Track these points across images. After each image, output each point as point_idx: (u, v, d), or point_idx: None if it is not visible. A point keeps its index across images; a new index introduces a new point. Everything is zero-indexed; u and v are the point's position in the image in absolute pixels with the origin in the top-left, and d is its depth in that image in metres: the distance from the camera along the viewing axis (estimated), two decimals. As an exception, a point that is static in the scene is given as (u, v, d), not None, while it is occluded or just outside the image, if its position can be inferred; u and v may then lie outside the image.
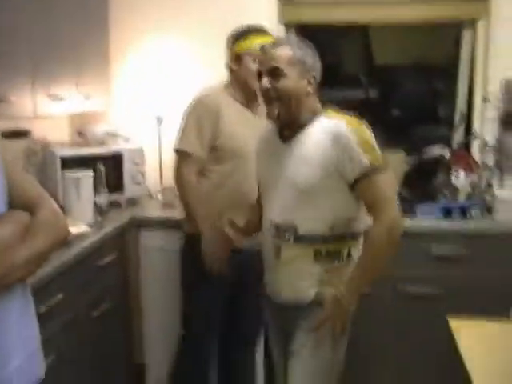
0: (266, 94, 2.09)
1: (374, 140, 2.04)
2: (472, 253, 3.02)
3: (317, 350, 2.06)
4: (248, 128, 2.66)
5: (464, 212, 3.18)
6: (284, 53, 2.05)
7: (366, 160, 1.97)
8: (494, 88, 3.56)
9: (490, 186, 3.32)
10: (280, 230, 2.08)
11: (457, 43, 3.86)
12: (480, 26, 3.66)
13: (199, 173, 2.69)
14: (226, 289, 2.75)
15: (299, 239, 2.04)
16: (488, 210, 3.23)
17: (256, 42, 2.59)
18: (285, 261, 2.09)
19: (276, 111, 2.06)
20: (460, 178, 3.27)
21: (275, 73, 2.04)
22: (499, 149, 3.50)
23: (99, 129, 3.59)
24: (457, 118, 3.82)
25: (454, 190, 3.27)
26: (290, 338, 2.12)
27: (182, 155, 2.69)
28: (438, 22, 3.72)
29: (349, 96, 4.11)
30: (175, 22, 3.67)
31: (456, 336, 1.96)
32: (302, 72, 2.06)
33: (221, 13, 3.62)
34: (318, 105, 2.13)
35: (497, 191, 3.30)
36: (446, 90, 4.02)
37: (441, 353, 2.71)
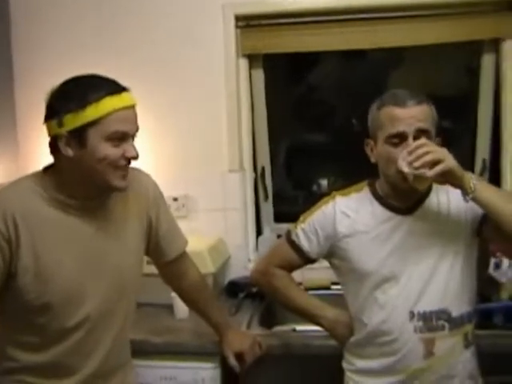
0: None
1: None
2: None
3: None
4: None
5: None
6: (429, 110, 1.77)
7: None
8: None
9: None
10: (431, 320, 1.78)
11: (468, 71, 3.03)
12: (507, 47, 2.78)
13: None
14: None
15: (454, 324, 1.79)
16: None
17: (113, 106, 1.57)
18: (440, 356, 1.78)
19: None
20: (502, 268, 2.32)
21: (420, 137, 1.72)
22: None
23: None
24: (477, 167, 2.97)
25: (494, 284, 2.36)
26: None
27: None
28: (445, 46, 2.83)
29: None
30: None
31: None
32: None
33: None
34: None
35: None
36: (460, 131, 3.09)
37: None
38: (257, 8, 2.82)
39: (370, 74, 3.24)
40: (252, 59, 2.97)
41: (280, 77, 3.25)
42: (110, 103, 1.55)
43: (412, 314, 1.78)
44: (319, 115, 3.33)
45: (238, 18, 2.85)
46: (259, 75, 3.01)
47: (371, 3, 2.77)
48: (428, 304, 1.78)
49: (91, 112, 1.53)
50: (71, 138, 1.56)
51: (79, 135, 1.55)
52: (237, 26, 2.86)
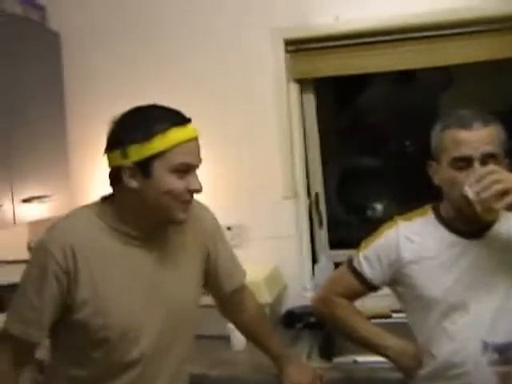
0: None
1: None
2: None
3: None
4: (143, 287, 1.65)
5: None
6: (496, 132, 1.66)
7: None
8: None
9: None
10: (507, 352, 1.65)
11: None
12: None
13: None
14: None
15: None
16: None
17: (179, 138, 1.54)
18: None
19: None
20: None
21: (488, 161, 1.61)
22: None
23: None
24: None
25: None
26: None
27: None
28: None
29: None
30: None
31: None
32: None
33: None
34: None
35: None
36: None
37: None
38: (306, 32, 2.77)
39: (421, 96, 3.16)
40: (302, 84, 2.93)
41: (330, 101, 3.20)
42: (176, 135, 1.51)
43: (485, 345, 1.66)
44: (371, 138, 3.25)
45: (287, 43, 2.81)
46: (310, 100, 2.97)
47: (421, 22, 2.69)
48: (503, 335, 1.66)
49: (158, 143, 1.50)
50: (136, 169, 1.52)
51: (144, 167, 1.51)
52: (286, 51, 2.82)
